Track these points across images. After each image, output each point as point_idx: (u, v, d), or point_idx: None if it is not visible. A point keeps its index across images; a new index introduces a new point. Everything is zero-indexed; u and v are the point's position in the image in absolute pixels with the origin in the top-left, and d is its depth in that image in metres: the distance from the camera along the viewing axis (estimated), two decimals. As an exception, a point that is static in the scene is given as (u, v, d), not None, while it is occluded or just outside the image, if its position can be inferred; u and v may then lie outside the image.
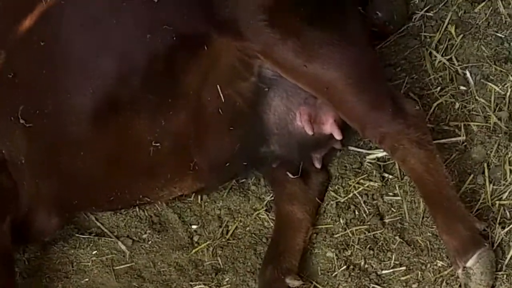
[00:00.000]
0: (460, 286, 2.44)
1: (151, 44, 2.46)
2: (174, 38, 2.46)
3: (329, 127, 2.60)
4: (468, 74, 2.80)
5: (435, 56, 2.85)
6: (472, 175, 2.63)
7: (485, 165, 2.64)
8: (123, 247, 2.71)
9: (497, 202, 2.57)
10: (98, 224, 2.76)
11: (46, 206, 2.56)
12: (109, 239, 2.72)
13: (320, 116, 2.60)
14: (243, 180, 2.81)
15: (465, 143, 2.70)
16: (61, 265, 2.67)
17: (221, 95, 2.51)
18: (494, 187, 2.60)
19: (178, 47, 2.47)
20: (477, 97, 2.76)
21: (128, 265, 2.67)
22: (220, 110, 2.53)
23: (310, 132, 2.58)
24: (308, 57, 2.45)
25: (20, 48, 2.46)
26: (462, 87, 2.80)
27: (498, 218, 2.53)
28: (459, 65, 2.83)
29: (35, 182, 2.51)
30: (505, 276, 2.43)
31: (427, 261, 2.53)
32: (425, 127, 2.55)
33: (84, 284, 2.63)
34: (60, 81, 2.47)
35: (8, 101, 2.43)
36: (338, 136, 2.60)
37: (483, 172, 2.63)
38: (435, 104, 2.77)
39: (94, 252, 2.69)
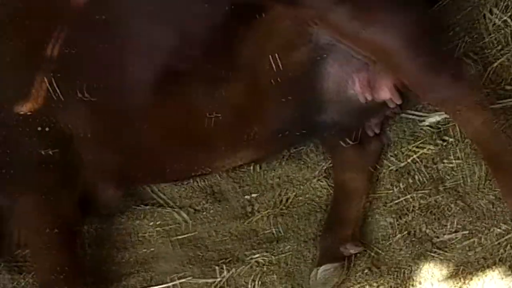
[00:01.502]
0: (524, 249, 2.42)
1: (208, 14, 2.46)
2: (231, 7, 2.45)
3: (387, 92, 2.56)
4: (528, 34, 2.74)
5: (495, 14, 2.77)
6: (530, 140, 2.58)
7: (544, 128, 2.59)
8: (185, 217, 2.74)
9: (559, 164, 2.52)
10: (160, 194, 2.79)
11: (110, 178, 2.61)
12: (170, 209, 2.76)
13: (377, 81, 2.56)
14: (301, 148, 2.80)
15: (523, 107, 2.65)
16: (124, 236, 2.73)
17: (277, 64, 2.50)
18: (555, 150, 2.54)
19: (235, 16, 2.47)
20: (535, 58, 2.70)
21: (189, 235, 2.71)
22: (277, 79, 2.51)
23: (368, 98, 2.56)
24: (365, 21, 2.41)
25: (81, 23, 2.49)
26: (521, 48, 2.74)
27: (562, 180, 2.48)
28: (519, 24, 2.76)
29: (99, 156, 2.55)
30: None
31: (489, 225, 2.49)
32: (481, 92, 2.51)
33: (149, 254, 2.68)
34: (120, 55, 2.49)
35: (71, 76, 2.46)
36: (397, 100, 2.57)
37: (542, 136, 2.58)
38: (490, 67, 2.69)
39: (158, 223, 2.73)
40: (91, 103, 2.46)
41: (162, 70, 2.49)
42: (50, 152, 2.45)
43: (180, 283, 2.58)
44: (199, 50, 2.49)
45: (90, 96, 2.46)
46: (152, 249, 2.68)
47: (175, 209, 2.76)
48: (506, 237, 2.47)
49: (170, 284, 2.59)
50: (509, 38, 2.75)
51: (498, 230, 2.49)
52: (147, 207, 2.76)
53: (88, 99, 2.46)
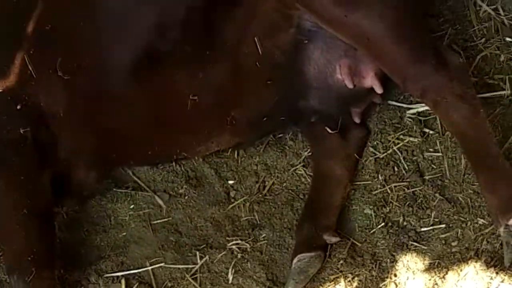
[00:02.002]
0: (501, 244, 2.39)
1: None
2: None
3: (370, 81, 2.54)
4: (514, 25, 2.71)
5: (480, 6, 2.75)
6: (516, 131, 2.57)
7: (530, 120, 2.57)
8: (160, 202, 2.71)
9: (542, 159, 2.50)
10: (135, 178, 2.76)
11: (85, 160, 2.57)
12: (146, 193, 2.73)
13: (360, 69, 2.54)
14: (281, 135, 2.78)
15: (510, 97, 2.62)
16: (99, 219, 2.69)
17: (259, 47, 2.47)
18: (539, 143, 2.53)
19: (216, -3, 2.44)
20: (523, 49, 2.68)
21: (165, 219, 2.68)
22: (258, 63, 2.49)
23: (350, 85, 2.53)
24: (348, 7, 2.39)
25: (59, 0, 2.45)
26: (507, 39, 2.71)
27: (542, 176, 2.46)
28: (505, 15, 2.74)
29: (74, 136, 2.52)
30: (547, 234, 2.37)
31: (467, 219, 2.49)
32: (468, 81, 2.48)
33: (122, 238, 2.65)
34: (99, 34, 2.47)
35: (46, 53, 2.42)
36: (378, 89, 2.55)
37: (528, 128, 2.56)
38: (479, 57, 2.69)
39: (132, 207, 2.70)
40: (68, 82, 2.43)
41: (141, 50, 2.45)
42: (23, 131, 2.41)
43: (153, 268, 2.56)
44: (180, 30, 2.46)
45: (66, 74, 2.42)
46: (125, 233, 2.65)
47: (153, 193, 2.73)
48: (485, 230, 2.46)
49: (142, 269, 2.56)
50: (495, 30, 2.73)
51: (477, 224, 2.49)
52: (124, 190, 2.73)
53: (64, 77, 2.42)
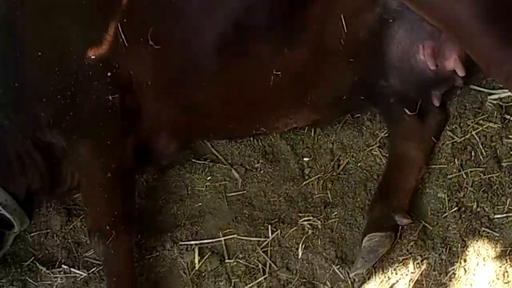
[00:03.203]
0: None
1: None
2: None
3: (452, 63, 2.50)
4: None
5: None
6: None
7: None
8: (236, 175, 2.76)
9: None
10: (214, 151, 2.81)
11: (167, 130, 2.63)
12: (223, 166, 2.78)
13: (444, 51, 2.51)
14: (358, 115, 2.78)
15: None
16: (177, 188, 2.76)
17: (344, 25, 2.47)
18: None
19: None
20: None
21: (240, 192, 2.73)
22: (342, 41, 2.49)
23: (432, 67, 2.50)
24: None
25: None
26: None
27: None
28: None
29: (158, 106, 2.57)
30: None
31: (543, 209, 2.45)
32: None
33: (197, 208, 2.71)
34: (190, 6, 2.50)
35: (138, 23, 2.47)
36: (461, 72, 2.51)
37: None
38: None
39: (209, 178, 2.76)
40: (157, 52, 2.47)
41: (228, 25, 2.48)
42: (111, 97, 2.47)
43: (226, 239, 2.62)
44: (267, 6, 2.47)
45: (157, 45, 2.46)
46: (201, 203, 2.71)
47: (229, 166, 2.78)
48: (561, 221, 2.41)
49: (215, 240, 2.62)
50: None
51: (553, 213, 2.43)
52: (202, 161, 2.79)
53: (155, 47, 2.46)
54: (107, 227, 2.48)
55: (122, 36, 2.44)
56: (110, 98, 2.47)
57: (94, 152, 2.51)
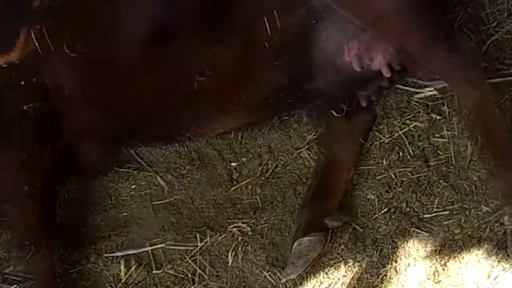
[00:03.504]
0: (504, 232, 2.37)
1: None
2: None
3: (378, 64, 2.50)
4: (527, 9, 2.65)
5: (494, -12, 2.70)
6: (526, 118, 2.52)
7: (541, 107, 2.52)
8: (162, 182, 2.70)
9: (552, 147, 2.45)
10: (138, 158, 2.75)
11: (89, 138, 2.56)
12: (148, 173, 2.72)
13: (369, 52, 2.50)
14: (286, 118, 2.75)
15: (520, 84, 2.58)
16: (100, 199, 2.69)
17: (269, 27, 2.44)
18: (549, 132, 2.48)
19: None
20: (535, 34, 2.62)
21: (166, 200, 2.67)
22: (267, 44, 2.46)
23: (358, 68, 2.50)
24: None
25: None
26: (519, 23, 2.65)
27: (552, 164, 2.42)
28: (517, -1, 2.68)
29: (79, 114, 2.49)
30: (554, 225, 2.34)
31: (471, 206, 2.46)
32: (479, 65, 2.43)
33: (122, 218, 2.65)
34: (108, 9, 2.43)
35: (53, 29, 2.38)
36: (386, 73, 2.51)
37: (538, 115, 2.51)
38: (490, 41, 2.63)
39: (133, 187, 2.69)
40: (74, 58, 2.39)
41: (152, 26, 2.42)
42: (26, 107, 2.39)
43: (153, 249, 2.56)
44: (192, 7, 2.43)
45: (73, 51, 2.38)
46: (126, 213, 2.65)
47: (155, 174, 2.71)
48: (488, 218, 2.43)
49: (141, 250, 2.56)
50: (507, 14, 2.68)
51: (481, 211, 2.45)
52: (126, 169, 2.72)
53: (71, 54, 2.38)
54: (27, 242, 2.40)
55: (36, 42, 2.36)
56: (25, 107, 2.38)
57: (9, 164, 2.42)
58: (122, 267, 2.52)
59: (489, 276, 2.33)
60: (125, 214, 2.65)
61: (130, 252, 2.55)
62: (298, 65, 2.54)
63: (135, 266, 2.53)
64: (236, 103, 2.56)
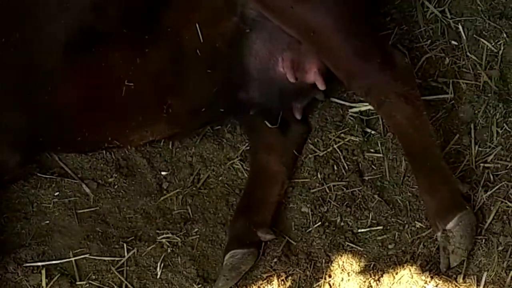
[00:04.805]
0: (437, 248, 2.37)
1: None
2: None
3: (312, 76, 2.49)
4: (460, 28, 2.69)
5: (427, 7, 2.73)
6: (457, 135, 2.55)
7: (472, 125, 2.56)
8: (87, 190, 2.60)
9: (482, 164, 2.49)
10: (62, 164, 2.64)
11: (8, 141, 2.46)
12: (73, 180, 2.62)
13: (303, 63, 2.49)
14: (218, 127, 2.70)
15: (453, 101, 2.61)
16: (21, 205, 2.58)
17: (200, 34, 2.40)
18: (480, 149, 2.52)
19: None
20: (468, 53, 2.66)
21: (92, 209, 2.58)
22: (198, 51, 2.43)
23: (292, 80, 2.48)
24: None
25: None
26: (453, 42, 2.69)
27: (482, 181, 2.45)
28: (451, 18, 2.72)
29: (2, 117, 2.40)
30: (483, 240, 2.37)
31: (405, 222, 2.46)
32: (413, 82, 2.46)
33: (45, 227, 2.54)
34: (30, 7, 2.36)
35: None
36: (321, 86, 2.50)
37: (469, 133, 2.55)
38: (424, 58, 2.67)
39: (56, 194, 2.59)
40: None
41: (74, 28, 2.36)
42: None
43: (77, 259, 2.46)
44: (118, 11, 2.38)
45: None
46: (48, 221, 2.54)
47: (80, 181, 2.61)
48: (422, 234, 2.43)
49: (64, 260, 2.46)
50: (441, 32, 2.72)
51: (414, 227, 2.46)
52: (49, 176, 2.61)
53: None
54: None
55: None
56: None
57: None
58: (43, 277, 2.42)
59: (422, 292, 2.33)
60: (47, 222, 2.54)
61: (53, 262, 2.45)
62: (232, 74, 2.51)
63: (57, 276, 2.43)
64: (166, 111, 2.50)
